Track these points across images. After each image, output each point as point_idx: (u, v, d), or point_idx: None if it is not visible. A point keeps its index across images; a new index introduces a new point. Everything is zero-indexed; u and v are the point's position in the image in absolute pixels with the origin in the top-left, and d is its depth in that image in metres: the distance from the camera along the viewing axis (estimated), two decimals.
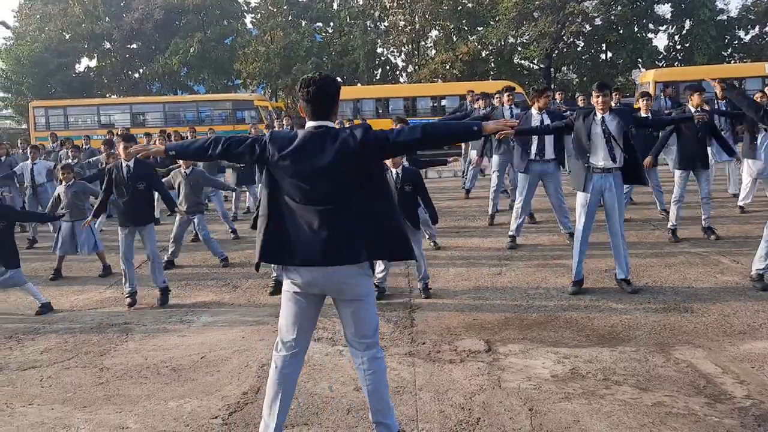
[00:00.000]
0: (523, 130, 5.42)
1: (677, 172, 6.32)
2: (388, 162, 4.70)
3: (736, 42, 30.28)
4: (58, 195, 6.48)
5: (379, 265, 4.90)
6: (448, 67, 30.24)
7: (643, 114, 7.40)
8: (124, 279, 5.26)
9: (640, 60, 30.21)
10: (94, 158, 9.92)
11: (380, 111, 23.36)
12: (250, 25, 36.10)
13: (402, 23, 32.54)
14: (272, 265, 5.13)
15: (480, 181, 10.17)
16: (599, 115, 4.71)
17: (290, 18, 33.46)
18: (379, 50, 34.17)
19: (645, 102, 7.49)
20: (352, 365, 2.72)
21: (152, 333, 4.51)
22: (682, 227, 6.50)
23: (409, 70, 34.25)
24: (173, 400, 3.35)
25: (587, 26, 29.95)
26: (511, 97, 7.55)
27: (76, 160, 9.38)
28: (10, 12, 63.24)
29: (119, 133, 13.71)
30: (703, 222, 6.44)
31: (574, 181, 4.99)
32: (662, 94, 11.54)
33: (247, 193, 9.65)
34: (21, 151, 11.29)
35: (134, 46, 35.66)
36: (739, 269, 5.26)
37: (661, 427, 2.81)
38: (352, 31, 32.92)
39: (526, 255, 6.17)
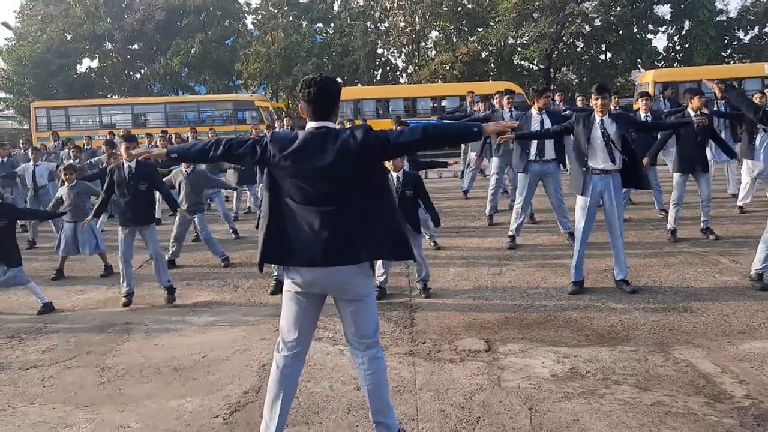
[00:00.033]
0: (524, 135, 5.42)
1: (676, 176, 6.33)
2: (389, 165, 4.71)
3: (735, 42, 30.29)
4: (61, 196, 6.50)
5: (380, 267, 4.92)
6: (448, 67, 30.26)
7: (642, 114, 7.42)
8: (121, 279, 5.27)
9: (639, 60, 30.22)
10: (95, 158, 9.93)
11: (380, 111, 23.36)
12: (251, 26, 36.13)
13: (402, 24, 32.58)
14: (273, 265, 5.15)
15: (479, 181, 10.18)
16: (598, 118, 4.73)
17: (291, 19, 33.50)
18: (380, 51, 34.20)
19: (644, 102, 7.51)
20: (353, 364, 2.74)
21: (153, 333, 4.53)
22: (682, 227, 6.52)
23: (409, 71, 34.28)
24: (174, 399, 3.36)
25: (587, 27, 29.97)
26: (510, 100, 7.57)
27: (77, 161, 9.39)
28: (12, 13, 63.35)
29: (121, 134, 13.78)
30: (701, 224, 6.46)
31: (572, 184, 5.01)
32: (661, 96, 11.53)
33: (248, 193, 9.67)
34: (23, 151, 11.30)
35: (135, 46, 35.70)
36: (739, 269, 5.27)
37: (660, 426, 2.83)
38: (352, 31, 32.94)
39: (526, 255, 6.18)
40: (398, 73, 35.03)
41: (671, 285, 4.98)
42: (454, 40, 31.61)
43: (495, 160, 7.77)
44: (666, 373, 3.37)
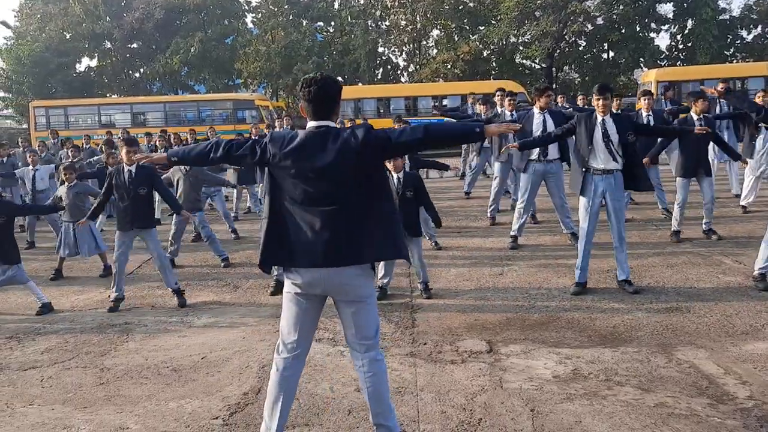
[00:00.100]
0: (526, 145, 5.38)
1: (679, 179, 6.31)
2: (390, 166, 4.69)
3: (738, 41, 30.23)
4: (60, 196, 6.48)
5: (381, 267, 4.90)
6: (449, 66, 30.25)
7: (644, 113, 7.39)
8: (112, 283, 5.21)
9: (642, 59, 30.19)
10: (95, 158, 9.91)
11: (381, 111, 23.34)
12: (251, 25, 36.15)
13: (403, 23, 32.55)
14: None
15: (480, 181, 10.16)
16: (599, 118, 4.70)
17: (291, 17, 33.48)
18: (381, 50, 34.18)
19: (647, 101, 7.48)
20: (354, 366, 2.71)
21: (153, 333, 4.51)
22: (684, 227, 6.49)
23: (410, 70, 34.27)
24: (174, 400, 3.34)
25: (589, 26, 29.93)
26: (512, 101, 7.55)
27: (76, 160, 9.38)
28: (11, 12, 63.41)
29: (119, 134, 13.75)
30: (704, 225, 6.44)
31: (572, 183, 5.00)
32: (663, 97, 11.50)
33: (248, 192, 9.65)
34: (22, 149, 11.28)
35: (135, 45, 35.70)
36: (742, 269, 5.25)
37: (663, 428, 2.80)
38: (353, 30, 32.92)
39: (528, 255, 6.15)
40: (399, 72, 35.04)
41: (674, 285, 4.96)
42: (456, 39, 31.59)
43: (497, 165, 7.75)
44: (669, 375, 3.35)
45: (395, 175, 4.81)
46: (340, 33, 34.02)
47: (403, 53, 34.41)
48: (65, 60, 33.50)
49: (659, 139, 6.68)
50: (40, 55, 31.70)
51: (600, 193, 4.76)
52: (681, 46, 30.66)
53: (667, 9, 30.34)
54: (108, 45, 35.20)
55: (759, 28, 29.88)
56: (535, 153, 6.22)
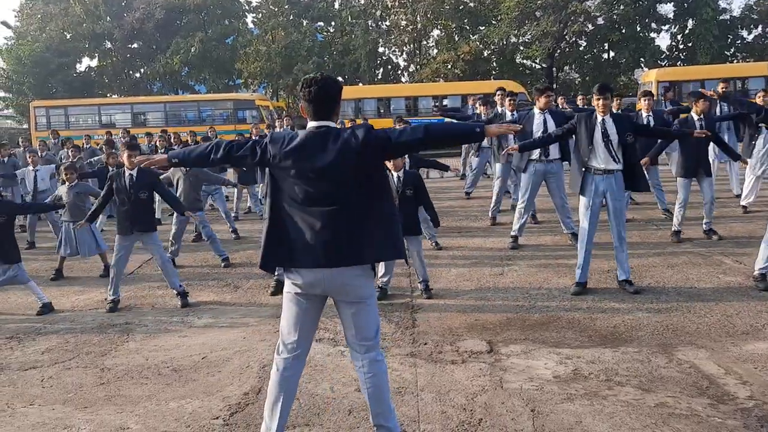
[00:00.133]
0: (526, 146, 5.38)
1: (680, 179, 6.31)
2: (390, 165, 4.69)
3: (738, 41, 30.23)
4: (60, 196, 6.48)
5: (382, 267, 4.90)
6: (449, 66, 30.26)
7: (644, 113, 7.39)
8: (109, 285, 5.21)
9: (642, 59, 30.19)
10: (95, 158, 9.91)
11: (382, 111, 23.35)
12: (251, 25, 36.19)
13: (404, 23, 32.56)
14: None
15: (481, 181, 10.15)
16: (600, 118, 4.71)
17: (291, 17, 33.49)
18: (381, 50, 34.20)
19: (647, 101, 7.47)
20: (354, 366, 2.71)
21: (153, 333, 4.51)
22: (685, 227, 6.48)
23: (410, 70, 34.29)
24: (174, 400, 3.34)
25: (589, 26, 29.95)
26: (512, 101, 7.54)
27: (76, 160, 9.38)
28: (11, 12, 63.47)
29: (120, 134, 13.76)
30: (704, 226, 6.44)
31: (572, 183, 5.00)
32: (663, 98, 11.50)
33: (248, 192, 9.65)
34: (23, 149, 11.28)
35: (135, 45, 35.73)
36: (742, 269, 5.24)
37: (663, 428, 2.80)
38: (353, 30, 32.94)
39: (529, 255, 6.15)
40: (399, 72, 35.06)
41: (674, 285, 4.95)
42: (456, 39, 31.60)
43: (498, 166, 7.75)
44: (669, 375, 3.34)
45: (395, 174, 4.81)
46: (341, 33, 34.03)
47: (404, 53, 34.44)
48: (66, 60, 33.52)
49: (659, 141, 6.68)
50: (41, 55, 31.73)
51: (600, 193, 4.76)
52: (681, 46, 30.66)
53: (667, 9, 30.41)
54: (108, 45, 35.23)
55: (759, 28, 29.88)
56: (536, 153, 6.21)
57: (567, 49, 31.15)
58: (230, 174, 8.51)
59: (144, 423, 3.10)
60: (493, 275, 5.51)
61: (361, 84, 31.71)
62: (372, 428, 2.69)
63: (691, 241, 6.31)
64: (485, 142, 8.52)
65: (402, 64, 35.14)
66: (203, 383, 3.55)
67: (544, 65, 31.63)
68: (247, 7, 36.36)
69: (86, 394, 3.48)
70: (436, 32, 33.44)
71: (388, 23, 33.56)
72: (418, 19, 32.30)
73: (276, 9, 32.72)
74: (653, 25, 30.67)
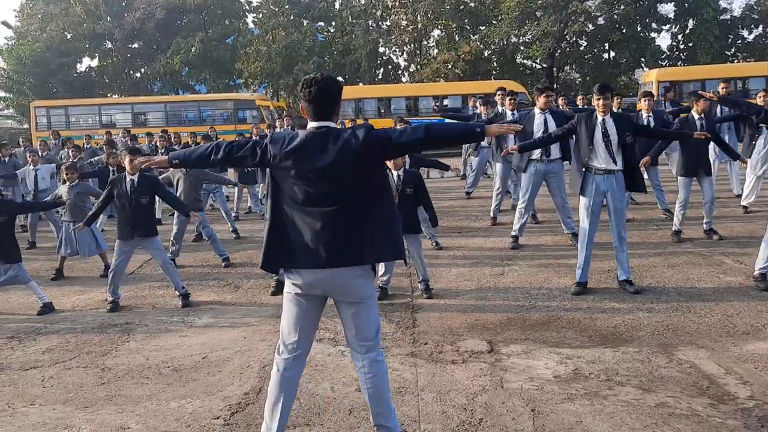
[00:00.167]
0: (525, 147, 5.39)
1: (680, 179, 6.31)
2: (390, 164, 4.69)
3: (739, 41, 30.23)
4: (61, 195, 6.48)
5: (382, 267, 4.90)
6: (450, 66, 30.25)
7: (644, 114, 7.39)
8: (108, 285, 5.20)
9: (643, 59, 30.18)
10: (96, 158, 9.92)
11: (382, 111, 23.35)
12: (251, 25, 36.19)
13: (404, 23, 32.55)
14: None
15: (481, 181, 10.15)
16: (600, 118, 4.71)
17: (292, 17, 33.50)
18: (381, 50, 34.20)
19: (647, 102, 7.47)
20: (354, 366, 2.71)
21: (154, 333, 4.51)
22: (685, 227, 6.48)
23: (411, 70, 34.27)
24: (175, 400, 3.35)
25: (590, 25, 29.94)
26: (513, 101, 7.54)
27: (76, 160, 9.39)
28: (12, 12, 63.50)
29: (120, 134, 13.75)
30: (704, 225, 6.44)
31: (572, 182, 5.00)
32: (663, 98, 11.50)
33: (249, 192, 9.65)
34: (23, 149, 11.28)
35: (136, 45, 35.74)
36: (743, 269, 5.24)
37: (664, 428, 2.80)
38: (353, 30, 32.94)
39: (529, 255, 6.15)
40: (400, 72, 35.05)
41: (675, 285, 4.95)
42: (457, 39, 31.60)
43: (499, 166, 7.75)
44: (670, 375, 3.34)
45: (395, 173, 4.82)
46: (341, 33, 34.03)
47: (404, 53, 34.43)
48: (66, 60, 33.53)
49: (659, 141, 6.68)
50: (41, 55, 31.74)
51: (601, 193, 4.76)
52: (682, 46, 30.65)
53: (668, 9, 30.40)
54: (109, 45, 35.25)
55: (760, 28, 29.88)
56: (536, 153, 6.21)
57: (567, 49, 31.14)
58: (231, 173, 8.50)
59: (144, 423, 3.11)
60: (493, 275, 5.51)
61: (361, 84, 31.72)
62: (372, 428, 2.69)
63: (692, 241, 6.31)
64: (484, 142, 8.52)
65: (402, 64, 35.20)
66: (204, 383, 3.55)
67: (544, 65, 31.63)
68: (247, 7, 36.40)
69: (87, 394, 3.49)
70: (436, 32, 33.45)
71: (388, 23, 33.55)
72: (419, 19, 32.29)
73: (276, 9, 32.72)
74: (654, 25, 30.67)
